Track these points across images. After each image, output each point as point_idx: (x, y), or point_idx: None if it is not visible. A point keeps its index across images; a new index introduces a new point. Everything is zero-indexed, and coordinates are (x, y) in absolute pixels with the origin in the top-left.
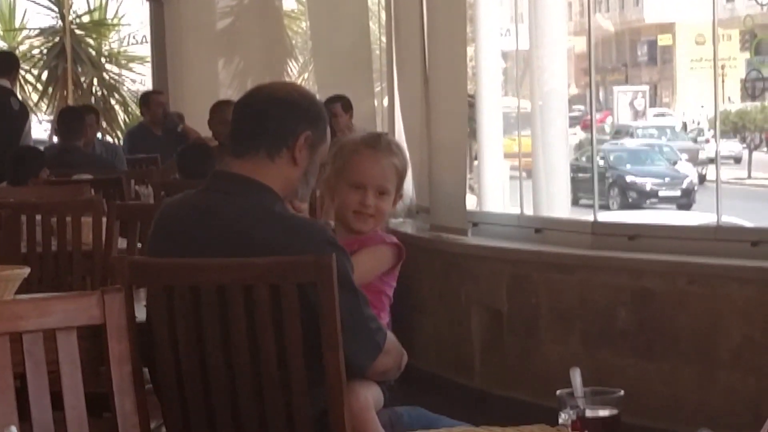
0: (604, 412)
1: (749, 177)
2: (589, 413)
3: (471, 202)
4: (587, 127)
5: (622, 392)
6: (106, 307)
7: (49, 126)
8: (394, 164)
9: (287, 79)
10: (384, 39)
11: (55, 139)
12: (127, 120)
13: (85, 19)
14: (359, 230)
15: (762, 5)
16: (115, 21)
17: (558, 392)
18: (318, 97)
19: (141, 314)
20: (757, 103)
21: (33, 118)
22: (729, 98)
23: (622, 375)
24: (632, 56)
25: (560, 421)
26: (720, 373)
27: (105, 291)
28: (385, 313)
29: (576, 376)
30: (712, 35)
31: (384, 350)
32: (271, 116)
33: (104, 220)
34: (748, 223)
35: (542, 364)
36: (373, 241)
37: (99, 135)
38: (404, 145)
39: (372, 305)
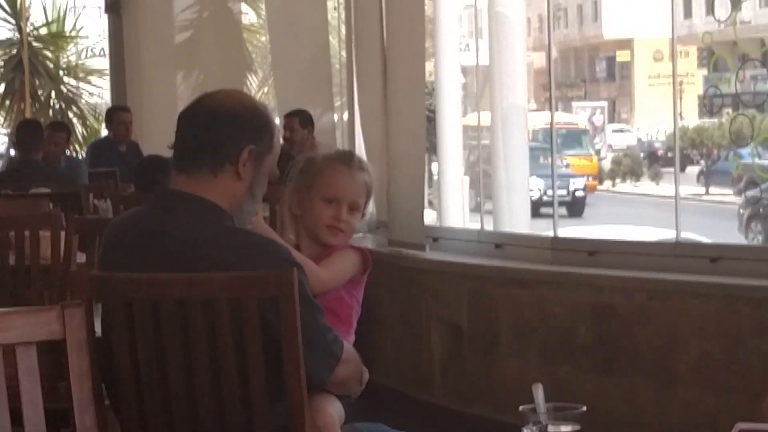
0: (566, 428)
1: (707, 193)
2: (551, 429)
3: (431, 217)
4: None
5: (584, 408)
6: (66, 322)
7: (4, 138)
8: (365, 181)
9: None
10: (344, 53)
11: (13, 152)
12: (85, 133)
13: (43, 31)
14: (329, 243)
15: (720, 22)
16: (73, 33)
17: (521, 408)
18: (271, 108)
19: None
20: (715, 120)
21: None
22: (680, 114)
23: (581, 390)
24: (591, 72)
25: None
26: (679, 389)
27: (65, 306)
28: (352, 330)
29: (538, 391)
30: (671, 52)
31: (342, 360)
32: (212, 131)
33: (63, 234)
34: (706, 240)
35: (502, 380)
36: (341, 247)
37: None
38: (365, 159)
39: (341, 322)
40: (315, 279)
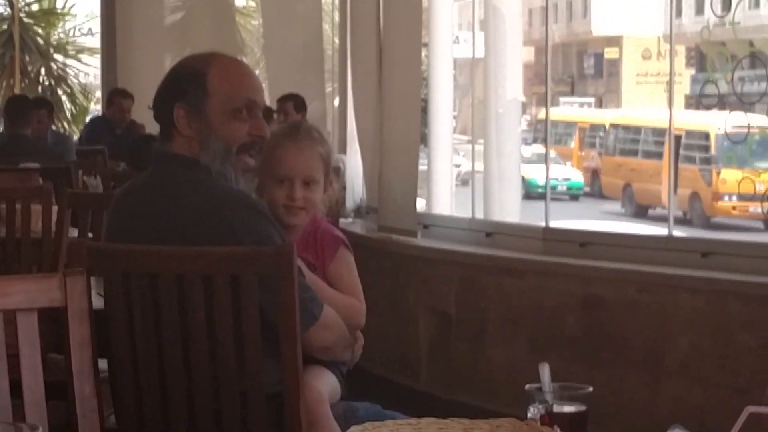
0: (571, 408)
1: None
2: (557, 408)
3: (420, 205)
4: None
5: (590, 388)
6: (68, 290)
7: None
8: (318, 152)
9: None
10: (337, 40)
11: (1, 127)
12: (74, 111)
13: (35, 7)
14: (292, 224)
15: (718, 17)
16: (65, 11)
17: (527, 387)
18: (267, 96)
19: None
20: None
21: None
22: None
23: (569, 381)
24: (579, 68)
25: (529, 415)
26: (667, 382)
27: (67, 273)
28: None
29: (545, 371)
30: (660, 50)
31: (321, 323)
32: (154, 104)
33: (54, 208)
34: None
35: (489, 369)
36: (327, 239)
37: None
38: (357, 145)
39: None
40: (361, 314)
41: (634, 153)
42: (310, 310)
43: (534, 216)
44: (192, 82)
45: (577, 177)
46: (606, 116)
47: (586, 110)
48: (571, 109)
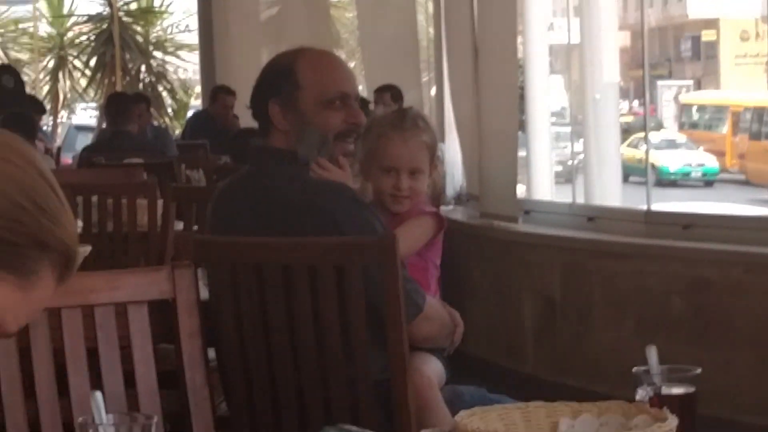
0: (680, 390)
1: None
2: (665, 390)
3: (520, 191)
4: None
5: (699, 370)
6: (177, 282)
7: (95, 112)
8: (423, 142)
9: None
10: (431, 30)
11: (104, 125)
12: (174, 106)
13: (133, 6)
14: (396, 212)
15: None
16: (162, 9)
17: (634, 369)
18: (363, 87)
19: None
20: None
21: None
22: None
23: (675, 363)
24: (676, 51)
25: (637, 397)
26: None
27: (175, 266)
28: (433, 290)
29: (652, 353)
30: (757, 31)
31: (425, 314)
32: (251, 104)
33: (159, 202)
34: None
35: (595, 351)
36: (414, 212)
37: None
38: (454, 133)
39: (419, 284)
40: None
41: None
42: (414, 301)
43: (665, 203)
44: (283, 78)
45: (712, 162)
46: (759, 98)
47: (739, 93)
48: (723, 93)
